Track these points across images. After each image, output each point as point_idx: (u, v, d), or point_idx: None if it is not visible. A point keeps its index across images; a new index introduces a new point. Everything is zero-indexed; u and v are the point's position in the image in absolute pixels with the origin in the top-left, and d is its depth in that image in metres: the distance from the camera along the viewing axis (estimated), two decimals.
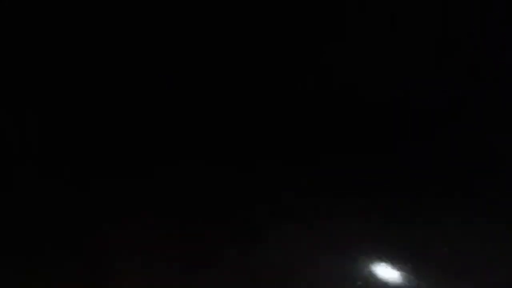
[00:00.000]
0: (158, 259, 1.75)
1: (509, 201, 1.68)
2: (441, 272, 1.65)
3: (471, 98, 1.74)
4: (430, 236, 1.69)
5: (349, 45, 1.79)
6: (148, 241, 1.78)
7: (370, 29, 1.78)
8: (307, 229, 1.75)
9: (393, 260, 1.68)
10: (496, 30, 1.71)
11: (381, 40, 1.78)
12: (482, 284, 1.61)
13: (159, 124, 1.86)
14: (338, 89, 1.80)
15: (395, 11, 1.75)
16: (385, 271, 1.67)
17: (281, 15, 1.79)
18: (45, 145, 1.86)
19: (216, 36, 1.82)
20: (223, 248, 1.75)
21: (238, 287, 1.71)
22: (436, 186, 1.73)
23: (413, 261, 1.67)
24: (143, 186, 1.83)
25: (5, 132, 1.85)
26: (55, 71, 1.86)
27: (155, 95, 1.86)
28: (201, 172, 1.83)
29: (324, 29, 1.79)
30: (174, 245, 1.76)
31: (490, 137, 1.73)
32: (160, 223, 1.80)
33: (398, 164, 1.75)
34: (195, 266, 1.75)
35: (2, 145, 1.85)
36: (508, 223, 1.66)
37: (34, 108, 1.87)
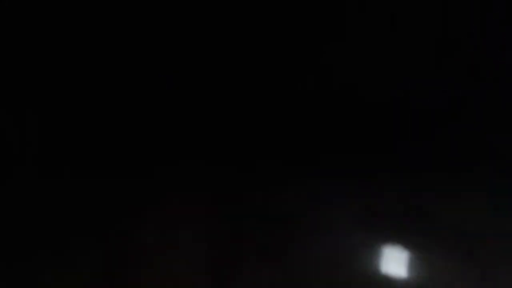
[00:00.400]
0: (161, 260, 1.76)
1: (509, 200, 1.68)
2: (442, 270, 1.66)
3: (471, 98, 1.74)
4: (430, 236, 1.69)
5: (349, 45, 1.79)
6: (150, 241, 1.78)
7: (370, 29, 1.78)
8: (307, 229, 1.75)
9: (394, 259, 1.69)
10: (496, 30, 1.71)
11: (381, 40, 1.78)
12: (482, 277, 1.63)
13: (159, 124, 1.86)
14: (338, 89, 1.80)
15: (395, 11, 1.75)
16: (386, 270, 1.68)
17: (281, 16, 1.79)
18: (45, 145, 1.86)
19: (216, 37, 1.82)
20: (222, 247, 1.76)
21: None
22: (436, 186, 1.73)
23: (414, 259, 1.67)
24: (142, 186, 1.83)
25: (5, 132, 1.85)
26: (55, 71, 1.87)
27: (155, 95, 1.86)
28: (201, 172, 1.83)
29: (324, 29, 1.79)
30: (177, 245, 1.77)
31: (490, 137, 1.73)
32: (160, 223, 1.80)
33: (398, 164, 1.75)
34: (196, 264, 1.75)
35: (2, 145, 1.85)
36: (507, 222, 1.66)
37: (34, 108, 1.87)
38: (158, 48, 1.85)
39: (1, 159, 1.84)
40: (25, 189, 1.83)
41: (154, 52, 1.85)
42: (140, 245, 1.77)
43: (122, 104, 1.87)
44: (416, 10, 1.74)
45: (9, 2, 1.81)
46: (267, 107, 1.83)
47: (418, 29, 1.75)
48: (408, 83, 1.78)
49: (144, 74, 1.86)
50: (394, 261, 1.68)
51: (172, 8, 1.81)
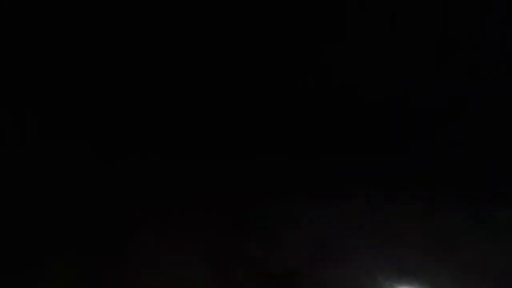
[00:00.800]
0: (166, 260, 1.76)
1: (508, 200, 1.68)
2: (442, 269, 1.66)
3: (471, 98, 1.74)
4: (428, 235, 1.69)
5: (349, 45, 1.79)
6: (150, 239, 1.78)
7: (370, 29, 1.78)
8: (307, 229, 1.75)
9: (393, 257, 1.69)
10: (496, 30, 1.71)
11: (381, 40, 1.78)
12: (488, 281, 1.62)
13: (159, 124, 1.86)
14: (338, 89, 1.80)
15: (395, 11, 1.75)
16: (386, 269, 1.68)
17: (281, 15, 1.79)
18: (45, 145, 1.86)
19: (217, 36, 1.82)
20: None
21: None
22: (436, 186, 1.73)
23: (412, 258, 1.67)
24: (143, 186, 1.83)
25: (5, 132, 1.85)
26: (55, 71, 1.87)
27: (155, 95, 1.86)
28: (201, 170, 1.83)
29: (324, 29, 1.79)
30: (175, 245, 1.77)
31: (490, 137, 1.73)
32: (162, 223, 1.80)
33: (398, 164, 1.76)
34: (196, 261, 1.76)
35: (2, 145, 1.85)
36: (508, 222, 1.66)
37: (34, 108, 1.87)
38: (158, 48, 1.85)
39: (1, 159, 1.84)
40: (24, 189, 1.83)
41: (154, 52, 1.85)
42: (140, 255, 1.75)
43: (122, 104, 1.87)
44: (416, 10, 1.74)
45: (9, 2, 1.81)
46: (267, 107, 1.83)
47: (418, 29, 1.75)
48: (408, 83, 1.78)
49: (144, 74, 1.86)
50: None
51: (172, 8, 1.81)
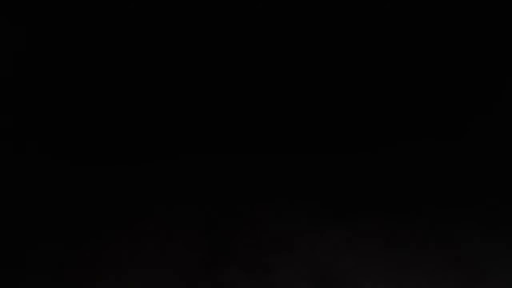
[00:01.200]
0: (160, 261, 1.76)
1: (509, 203, 1.69)
2: (441, 267, 1.66)
3: (471, 98, 1.75)
4: (428, 234, 1.70)
5: (349, 45, 1.80)
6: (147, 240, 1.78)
7: (370, 29, 1.78)
8: (305, 228, 1.75)
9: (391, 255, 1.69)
10: (496, 30, 1.71)
11: (381, 40, 1.78)
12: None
13: (160, 123, 1.87)
14: (338, 89, 1.80)
15: (395, 11, 1.76)
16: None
17: (281, 16, 1.79)
18: (45, 144, 1.86)
19: (217, 37, 1.83)
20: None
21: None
22: (437, 186, 1.74)
23: (410, 256, 1.67)
24: (143, 182, 1.83)
25: (5, 130, 1.85)
26: (55, 71, 1.87)
27: (155, 95, 1.86)
28: (200, 167, 1.84)
29: (324, 29, 1.80)
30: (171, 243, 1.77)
31: (490, 137, 1.73)
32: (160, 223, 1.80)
33: (398, 164, 1.76)
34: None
35: (2, 145, 1.85)
36: (507, 222, 1.66)
37: (34, 108, 1.87)
38: (158, 48, 1.85)
39: (1, 159, 1.84)
40: (23, 189, 1.83)
41: (154, 52, 1.85)
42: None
43: (123, 103, 1.87)
44: (416, 10, 1.75)
45: (9, 2, 1.82)
46: (266, 106, 1.83)
47: (418, 29, 1.76)
48: (407, 83, 1.78)
49: (144, 73, 1.86)
50: None
51: (172, 8, 1.81)
